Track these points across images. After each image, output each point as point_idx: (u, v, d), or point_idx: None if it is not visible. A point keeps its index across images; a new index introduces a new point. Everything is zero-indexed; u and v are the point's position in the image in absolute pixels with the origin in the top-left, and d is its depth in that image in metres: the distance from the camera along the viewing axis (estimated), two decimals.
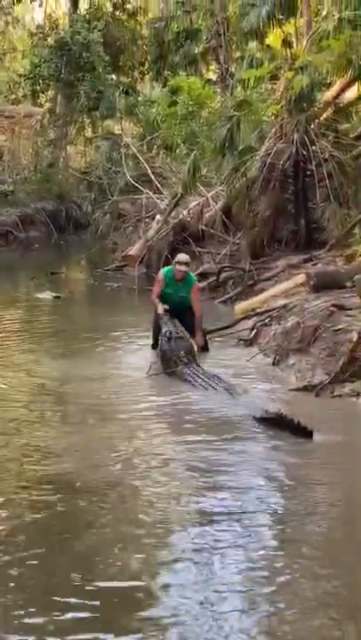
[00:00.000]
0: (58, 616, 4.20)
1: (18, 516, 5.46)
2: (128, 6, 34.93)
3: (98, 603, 4.31)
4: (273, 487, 5.95)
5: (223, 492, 5.82)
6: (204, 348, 10.35)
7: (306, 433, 6.82)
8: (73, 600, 4.34)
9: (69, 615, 4.21)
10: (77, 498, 5.76)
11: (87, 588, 4.46)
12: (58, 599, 4.36)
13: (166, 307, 10.29)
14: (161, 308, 10.28)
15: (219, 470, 6.25)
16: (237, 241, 15.92)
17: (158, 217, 18.33)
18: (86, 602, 4.32)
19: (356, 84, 14.73)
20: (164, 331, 9.82)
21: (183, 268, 10.35)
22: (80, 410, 8.12)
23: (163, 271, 10.69)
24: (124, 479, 6.11)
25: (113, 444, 6.92)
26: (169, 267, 10.73)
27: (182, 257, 10.62)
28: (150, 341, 10.53)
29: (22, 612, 4.24)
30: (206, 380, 8.67)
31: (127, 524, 5.34)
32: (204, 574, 4.61)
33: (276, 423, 7.12)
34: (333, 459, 6.63)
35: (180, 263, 10.38)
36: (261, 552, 4.88)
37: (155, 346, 10.33)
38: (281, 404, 8.05)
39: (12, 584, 4.53)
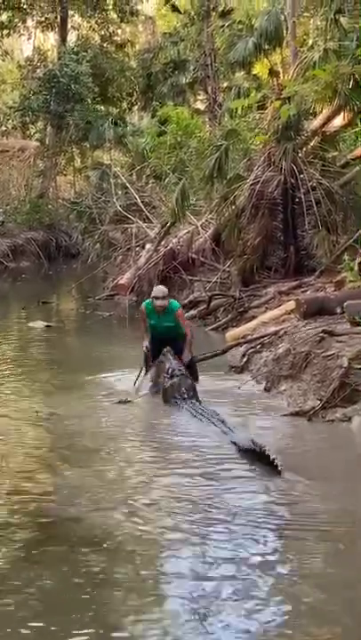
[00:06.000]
0: None
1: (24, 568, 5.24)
2: (116, 38, 35.37)
3: None
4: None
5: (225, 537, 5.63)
6: (192, 372, 9.97)
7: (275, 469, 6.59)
8: None
9: None
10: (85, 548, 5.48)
11: None
12: None
13: (147, 344, 10.17)
14: (145, 343, 10.20)
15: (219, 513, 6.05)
16: (227, 268, 16.01)
17: (148, 246, 18.44)
18: None
19: (343, 112, 14.87)
20: (167, 367, 9.52)
21: (160, 302, 9.94)
22: (76, 446, 7.80)
23: (144, 304, 10.30)
24: (127, 525, 5.82)
25: (112, 484, 6.67)
26: (149, 299, 10.27)
27: (158, 291, 10.11)
28: (141, 365, 10.38)
29: None
30: (205, 414, 8.45)
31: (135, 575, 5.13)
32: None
33: (257, 456, 6.89)
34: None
35: (156, 298, 9.98)
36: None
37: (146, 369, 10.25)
38: (272, 430, 8.02)
39: None
